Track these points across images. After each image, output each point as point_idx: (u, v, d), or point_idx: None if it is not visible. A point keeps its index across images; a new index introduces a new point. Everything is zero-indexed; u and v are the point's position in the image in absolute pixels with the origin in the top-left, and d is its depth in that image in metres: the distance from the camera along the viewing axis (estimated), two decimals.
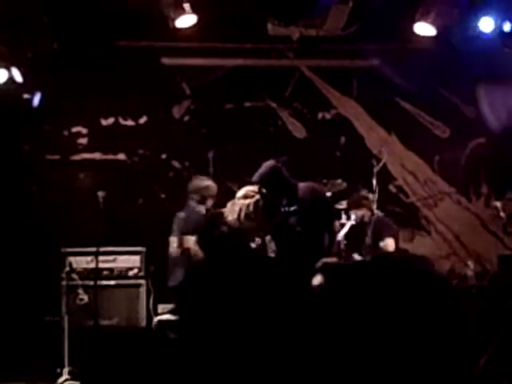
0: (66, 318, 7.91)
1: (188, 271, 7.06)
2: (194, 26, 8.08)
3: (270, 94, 9.69)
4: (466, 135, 9.75)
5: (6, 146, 9.03)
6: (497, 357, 6.34)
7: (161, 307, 7.96)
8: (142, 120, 9.57)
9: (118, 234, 8.37)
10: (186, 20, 8.01)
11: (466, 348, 1.98)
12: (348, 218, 8.01)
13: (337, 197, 7.84)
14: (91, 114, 9.45)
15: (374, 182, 8.14)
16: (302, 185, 6.68)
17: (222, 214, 6.78)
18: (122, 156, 9.51)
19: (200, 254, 6.90)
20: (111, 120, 9.52)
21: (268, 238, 7.13)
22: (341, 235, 7.80)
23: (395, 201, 9.59)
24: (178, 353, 2.04)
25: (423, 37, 8.36)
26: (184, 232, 7.58)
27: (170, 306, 7.72)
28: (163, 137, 9.56)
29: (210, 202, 7.80)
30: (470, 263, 8.76)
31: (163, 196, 9.50)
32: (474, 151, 9.71)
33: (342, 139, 9.77)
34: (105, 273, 8.13)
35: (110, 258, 8.22)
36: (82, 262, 8.14)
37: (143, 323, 8.02)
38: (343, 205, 8.02)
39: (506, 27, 8.46)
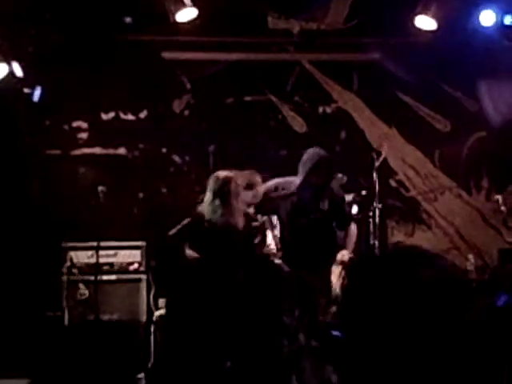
0: (66, 313, 7.94)
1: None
2: (195, 19, 8.22)
3: (271, 88, 9.64)
4: (466, 129, 9.71)
5: (6, 140, 9.02)
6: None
7: (161, 301, 7.97)
8: (143, 114, 9.54)
9: (118, 229, 8.42)
10: (187, 14, 8.12)
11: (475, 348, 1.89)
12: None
13: None
14: (91, 108, 9.43)
15: (375, 176, 8.09)
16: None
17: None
18: (122, 150, 9.47)
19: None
20: (111, 114, 9.48)
21: (269, 234, 7.13)
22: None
23: (396, 195, 9.58)
24: None
25: (424, 30, 8.47)
26: None
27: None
28: (163, 131, 9.54)
29: None
30: (471, 257, 8.77)
31: (164, 190, 9.50)
32: (474, 145, 9.67)
33: (343, 133, 9.73)
34: (105, 267, 8.12)
35: (111, 252, 8.21)
36: (82, 257, 8.16)
37: (144, 318, 8.02)
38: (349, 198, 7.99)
39: (507, 20, 8.47)
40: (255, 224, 7.07)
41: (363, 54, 9.57)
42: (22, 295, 8.41)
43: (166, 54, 9.39)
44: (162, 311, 7.74)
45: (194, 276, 6.82)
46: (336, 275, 6.95)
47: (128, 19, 8.59)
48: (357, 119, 9.75)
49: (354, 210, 8.04)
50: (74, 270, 8.09)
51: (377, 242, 7.89)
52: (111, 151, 9.43)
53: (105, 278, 8.01)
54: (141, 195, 9.43)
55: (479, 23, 8.47)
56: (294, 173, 7.96)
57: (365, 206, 8.14)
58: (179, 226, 7.04)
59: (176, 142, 9.54)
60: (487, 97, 9.44)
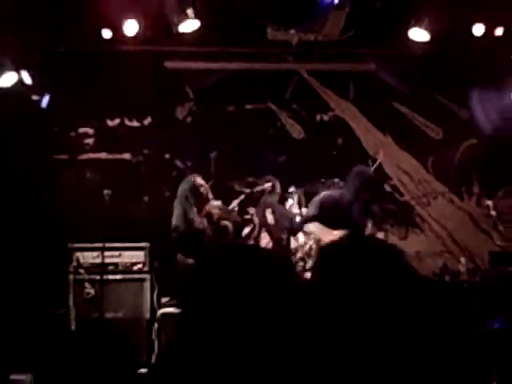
0: (73, 311, 7.97)
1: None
2: (197, 31, 8.18)
3: (270, 97, 9.69)
4: (458, 137, 9.74)
5: (15, 146, 8.97)
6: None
7: (164, 300, 7.98)
8: (147, 121, 9.58)
9: (123, 231, 8.39)
10: (189, 25, 8.12)
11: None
12: None
13: None
14: (97, 115, 9.47)
15: None
16: None
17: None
18: (127, 156, 9.52)
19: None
20: (117, 121, 9.53)
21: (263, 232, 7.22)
22: None
23: (390, 199, 9.60)
24: None
25: (418, 42, 8.43)
26: None
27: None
28: (167, 137, 9.57)
29: None
30: (463, 260, 8.84)
31: (167, 194, 9.43)
32: (466, 152, 9.70)
33: (339, 140, 9.77)
34: (110, 267, 8.13)
35: (116, 253, 8.23)
36: (88, 257, 8.16)
37: (147, 316, 8.04)
38: None
39: (497, 32, 8.51)
40: (246, 217, 7.15)
41: (359, 64, 9.61)
42: (31, 294, 8.31)
43: (169, 64, 9.44)
44: (164, 309, 7.73)
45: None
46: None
47: (106, 33, 8.56)
48: (353, 127, 9.79)
49: None
50: (81, 270, 8.11)
51: None
52: (116, 156, 9.47)
53: (110, 277, 8.03)
54: (145, 198, 9.46)
55: (470, 35, 8.50)
56: (293, 178, 8.10)
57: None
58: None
59: (178, 147, 9.57)
60: (478, 105, 9.47)
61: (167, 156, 9.59)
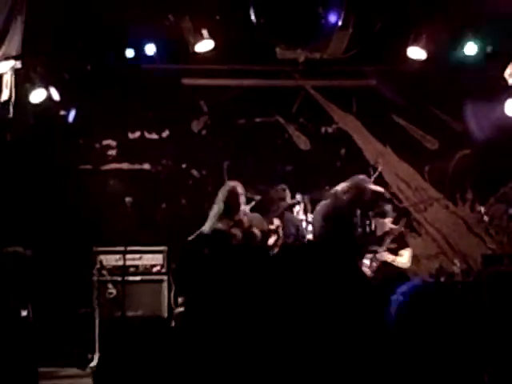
0: (97, 310, 8.02)
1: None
2: (211, 50, 8.23)
3: (279, 111, 9.74)
4: (453, 147, 9.75)
5: (45, 157, 9.09)
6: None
7: (180, 300, 8.00)
8: (165, 134, 9.63)
9: (143, 235, 8.48)
10: (204, 45, 8.17)
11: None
12: None
13: None
14: (120, 128, 9.53)
15: None
16: None
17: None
18: (146, 166, 9.58)
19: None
20: (137, 134, 9.59)
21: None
22: None
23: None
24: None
25: (415, 59, 8.42)
26: None
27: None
28: (183, 149, 9.62)
29: None
30: (457, 261, 8.82)
31: (183, 201, 9.56)
32: (460, 161, 9.72)
33: (343, 151, 9.80)
34: (131, 269, 8.22)
35: (136, 256, 8.30)
36: (111, 260, 8.21)
37: (165, 314, 8.03)
38: None
39: (489, 50, 8.54)
40: (271, 227, 7.16)
41: (361, 80, 9.65)
42: (58, 294, 8.50)
43: (186, 81, 9.51)
44: (181, 308, 7.76)
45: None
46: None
47: (129, 52, 8.65)
48: (355, 138, 9.84)
49: None
50: (104, 272, 8.16)
51: None
52: (137, 166, 9.54)
53: (131, 278, 8.12)
54: (163, 205, 9.53)
55: (464, 53, 8.53)
56: (299, 186, 8.16)
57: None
58: (197, 233, 7.12)
59: (194, 158, 9.63)
60: (471, 118, 9.50)
61: (184, 166, 9.65)
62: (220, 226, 6.89)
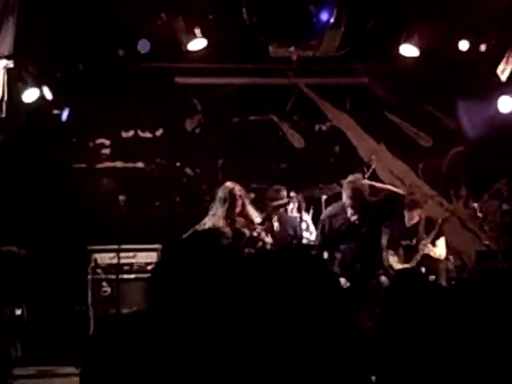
0: (91, 308, 8.04)
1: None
2: (204, 49, 8.21)
3: (272, 109, 9.75)
4: (446, 144, 9.77)
5: (38, 156, 9.10)
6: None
7: None
8: (158, 132, 9.66)
9: (137, 233, 8.43)
10: (197, 44, 8.15)
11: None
12: None
13: (331, 199, 7.92)
14: (113, 127, 9.55)
15: None
16: None
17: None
18: (140, 164, 9.61)
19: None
20: (131, 132, 9.61)
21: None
22: None
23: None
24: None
25: (408, 57, 8.41)
26: None
27: None
28: (177, 147, 9.65)
29: None
30: (451, 258, 8.77)
31: (177, 199, 9.59)
32: (453, 158, 9.74)
33: (337, 148, 9.83)
34: (125, 267, 8.22)
35: (130, 254, 8.31)
36: (105, 258, 8.22)
37: None
38: None
39: (481, 48, 8.55)
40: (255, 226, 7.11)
41: (354, 78, 9.65)
42: (52, 292, 8.53)
43: (179, 79, 9.52)
44: None
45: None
46: None
47: (121, 52, 8.66)
48: (349, 136, 9.86)
49: None
50: (98, 270, 8.19)
51: None
52: (131, 165, 9.57)
53: (125, 276, 8.10)
54: (157, 204, 9.55)
55: (456, 50, 8.53)
56: (293, 183, 8.15)
57: None
58: (191, 231, 7.11)
59: (188, 156, 9.66)
60: (464, 115, 9.51)
61: (178, 164, 9.68)
62: (214, 224, 6.90)
